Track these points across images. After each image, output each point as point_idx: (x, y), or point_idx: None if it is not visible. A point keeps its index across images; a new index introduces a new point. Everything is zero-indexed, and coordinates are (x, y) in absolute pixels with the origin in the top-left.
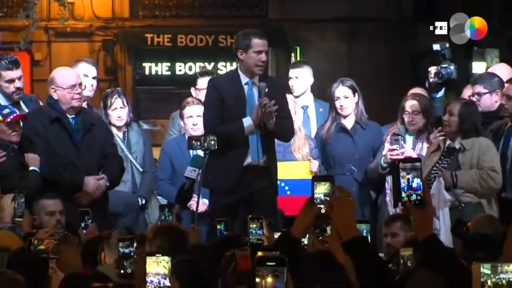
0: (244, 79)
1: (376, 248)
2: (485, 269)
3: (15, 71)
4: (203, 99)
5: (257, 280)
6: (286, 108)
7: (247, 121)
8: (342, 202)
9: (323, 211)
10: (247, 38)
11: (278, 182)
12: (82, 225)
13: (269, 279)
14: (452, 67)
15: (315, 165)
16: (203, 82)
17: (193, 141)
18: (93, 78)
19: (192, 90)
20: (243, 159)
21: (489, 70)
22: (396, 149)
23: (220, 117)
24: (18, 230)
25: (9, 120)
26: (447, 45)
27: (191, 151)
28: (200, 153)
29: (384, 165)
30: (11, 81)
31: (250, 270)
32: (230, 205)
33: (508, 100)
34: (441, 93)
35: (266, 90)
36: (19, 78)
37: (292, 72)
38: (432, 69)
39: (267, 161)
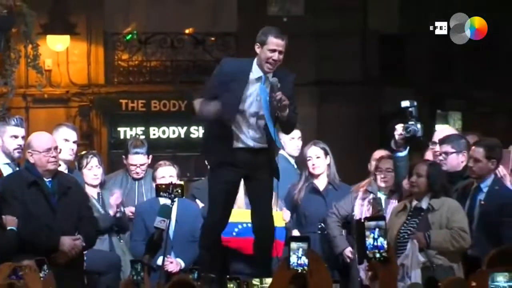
0: (258, 72)
1: None
2: None
3: (20, 129)
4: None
5: None
6: (294, 102)
7: (216, 105)
8: (319, 270)
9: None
10: (265, 34)
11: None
12: (41, 275)
13: None
14: (419, 126)
15: (287, 214)
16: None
17: (161, 190)
18: (74, 142)
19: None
20: (237, 142)
21: (436, 131)
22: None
23: (215, 94)
24: None
25: None
26: (415, 103)
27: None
28: (167, 201)
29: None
30: (15, 137)
31: None
32: (229, 182)
33: (475, 162)
34: (405, 152)
35: (279, 85)
36: (22, 138)
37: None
38: (399, 126)
39: (268, 143)
